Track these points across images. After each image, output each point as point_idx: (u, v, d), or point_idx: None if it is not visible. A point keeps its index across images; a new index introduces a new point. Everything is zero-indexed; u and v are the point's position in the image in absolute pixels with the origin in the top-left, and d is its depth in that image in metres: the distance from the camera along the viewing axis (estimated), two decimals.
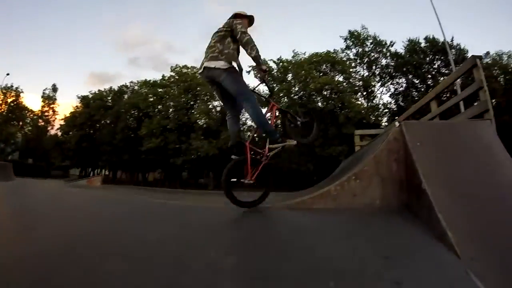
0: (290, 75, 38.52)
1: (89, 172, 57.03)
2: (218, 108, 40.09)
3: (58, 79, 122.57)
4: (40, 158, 52.27)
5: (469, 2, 78.68)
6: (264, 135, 4.10)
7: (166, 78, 43.62)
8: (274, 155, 4.20)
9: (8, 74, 48.56)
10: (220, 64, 3.67)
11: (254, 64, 3.86)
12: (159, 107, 42.06)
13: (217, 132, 36.64)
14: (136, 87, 46.37)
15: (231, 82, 3.73)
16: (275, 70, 39.32)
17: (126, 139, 41.72)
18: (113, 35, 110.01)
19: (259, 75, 4.44)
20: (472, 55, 5.40)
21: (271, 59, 39.14)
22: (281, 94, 37.34)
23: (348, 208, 3.76)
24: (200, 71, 3.94)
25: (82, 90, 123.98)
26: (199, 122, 38.93)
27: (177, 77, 42.54)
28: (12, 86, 46.69)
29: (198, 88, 41.06)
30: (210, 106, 40.24)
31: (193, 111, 39.35)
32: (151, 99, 42.34)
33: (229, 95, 3.87)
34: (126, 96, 46.16)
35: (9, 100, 46.73)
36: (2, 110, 46.02)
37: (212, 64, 3.71)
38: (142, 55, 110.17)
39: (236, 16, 4.04)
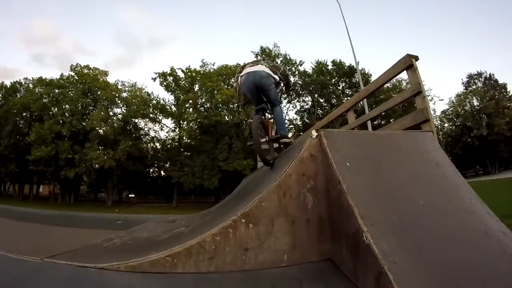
0: (197, 85, 37.37)
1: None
2: (120, 116, 37.80)
3: None
4: None
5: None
6: (280, 132, 4.56)
7: (65, 77, 39.86)
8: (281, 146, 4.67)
9: None
10: (268, 70, 4.41)
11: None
12: (53, 110, 38.21)
13: (115, 142, 34.41)
14: (30, 86, 41.46)
15: (273, 88, 4.46)
16: (183, 80, 37.96)
17: (14, 146, 37.10)
18: (16, 22, 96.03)
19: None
20: (407, 54, 4.30)
21: (179, 68, 37.86)
22: (186, 105, 36.35)
23: (235, 272, 2.49)
24: (242, 75, 4.49)
25: None
26: (97, 130, 36.19)
27: (76, 78, 39.18)
28: None
29: (99, 92, 38.30)
30: (111, 113, 37.72)
31: (90, 117, 36.27)
32: (45, 100, 38.16)
33: (261, 98, 4.55)
34: (19, 95, 41.05)
35: None
36: None
37: (260, 68, 4.40)
38: (48, 53, 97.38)
39: None
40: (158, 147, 41.03)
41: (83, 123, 35.78)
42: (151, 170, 46.11)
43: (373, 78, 37.53)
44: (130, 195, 40.53)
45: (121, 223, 6.06)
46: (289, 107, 42.60)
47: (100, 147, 34.46)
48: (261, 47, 40.23)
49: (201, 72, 37.93)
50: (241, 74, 4.52)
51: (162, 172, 45.20)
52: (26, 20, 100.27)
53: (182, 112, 36.48)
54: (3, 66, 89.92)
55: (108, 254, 3.39)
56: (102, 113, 35.85)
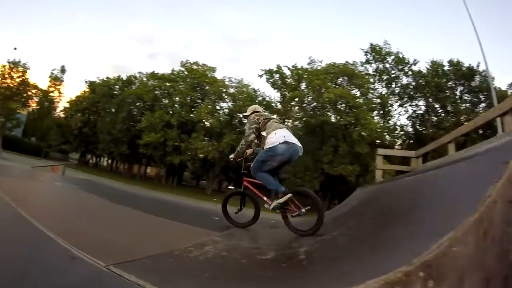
0: (303, 83, 36.57)
1: (88, 159, 56.08)
2: (226, 110, 38.63)
3: (80, 67, 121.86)
4: (41, 138, 51.16)
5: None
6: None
7: (176, 72, 42.28)
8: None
9: (15, 49, 47.09)
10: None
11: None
12: (164, 101, 40.67)
13: (220, 135, 35.03)
14: (144, 79, 44.99)
15: None
16: (289, 77, 37.54)
17: (127, 130, 40.48)
18: (136, 28, 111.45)
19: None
20: None
21: (285, 65, 37.58)
22: (292, 103, 35.61)
23: None
24: (290, 143, 4.10)
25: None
26: (204, 122, 37.40)
27: (186, 73, 41.31)
28: (20, 61, 45.51)
29: (207, 87, 39.76)
30: (217, 107, 38.70)
31: (198, 109, 37.84)
32: (157, 92, 40.96)
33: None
34: (133, 87, 44.82)
35: (15, 76, 45.60)
36: (8, 84, 44.83)
37: (298, 143, 4.21)
38: (161, 51, 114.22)
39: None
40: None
41: (191, 115, 37.30)
42: None
43: (496, 82, 33.50)
44: (229, 187, 41.08)
45: (218, 220, 4.91)
46: (400, 111, 39.33)
47: (205, 138, 35.31)
48: (371, 45, 38.32)
49: (308, 69, 37.08)
50: (286, 141, 4.07)
51: None
52: (143, 25, 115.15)
53: (287, 110, 35.90)
54: (125, 64, 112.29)
55: (195, 273, 2.43)
56: (209, 106, 36.99)
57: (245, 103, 36.12)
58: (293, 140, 4.12)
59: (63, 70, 51.58)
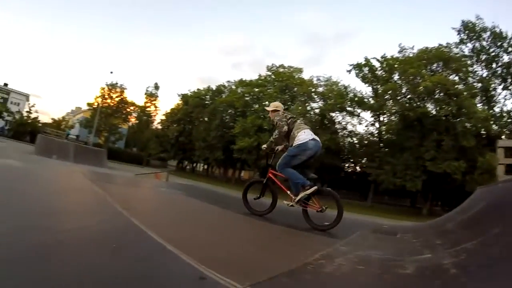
0: (396, 74, 34.91)
1: (185, 166, 60.26)
2: (317, 110, 38.64)
3: (170, 82, 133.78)
4: (142, 148, 56.54)
5: None
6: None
7: (263, 78, 43.52)
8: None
9: (111, 72, 53.00)
10: None
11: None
12: (255, 106, 42.06)
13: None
14: (233, 87, 47.22)
15: None
16: (379, 69, 36.21)
17: (220, 137, 42.84)
18: (217, 41, 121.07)
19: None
20: None
21: (374, 57, 36.59)
22: (386, 96, 34.14)
23: None
24: (316, 140, 4.65)
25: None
26: None
27: (273, 77, 42.32)
28: (117, 83, 51.10)
29: (295, 89, 40.21)
30: (308, 108, 38.83)
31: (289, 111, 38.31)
32: (247, 98, 42.57)
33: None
34: (223, 96, 47.34)
35: (114, 96, 51.14)
36: (109, 104, 50.44)
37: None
38: (244, 61, 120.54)
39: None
40: (355, 141, 40.21)
41: None
42: (346, 165, 45.40)
43: None
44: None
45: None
46: (505, 95, 35.29)
47: None
48: (463, 22, 35.43)
49: (399, 58, 35.31)
50: (314, 138, 4.62)
51: (357, 167, 44.29)
52: (225, 37, 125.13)
53: (381, 104, 34.62)
54: (211, 76, 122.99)
55: None
56: (300, 107, 37.20)
57: (337, 101, 35.80)
58: (317, 138, 4.69)
59: (156, 87, 56.72)
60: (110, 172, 15.23)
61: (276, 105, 5.32)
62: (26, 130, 39.04)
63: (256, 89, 42.79)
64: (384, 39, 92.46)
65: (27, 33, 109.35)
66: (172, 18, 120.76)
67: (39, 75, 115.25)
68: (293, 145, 4.61)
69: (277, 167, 4.80)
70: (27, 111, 42.68)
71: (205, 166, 59.37)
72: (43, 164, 11.87)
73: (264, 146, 5.22)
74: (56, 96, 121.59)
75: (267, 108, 5.44)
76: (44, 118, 49.84)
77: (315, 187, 4.37)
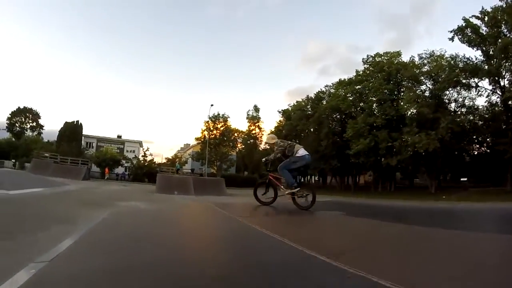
0: (503, 26, 30.21)
1: (299, 179, 60.13)
2: (427, 93, 35.01)
3: (259, 102, 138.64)
4: (253, 171, 57.94)
5: None
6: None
7: (361, 72, 41.23)
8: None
9: (212, 105, 55.96)
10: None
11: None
12: (361, 104, 40.23)
13: (433, 121, 31.49)
14: (332, 90, 45.88)
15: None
16: (487, 26, 31.63)
17: (332, 145, 41.86)
18: (298, 53, 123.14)
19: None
20: None
21: (473, 15, 32.13)
22: (502, 55, 29.17)
23: None
24: (308, 156, 7.64)
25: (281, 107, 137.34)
26: (409, 113, 34.68)
27: (371, 68, 39.74)
28: (219, 114, 53.88)
29: (398, 75, 37.05)
30: (418, 91, 35.28)
31: (400, 101, 35.50)
32: (350, 98, 40.74)
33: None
34: (324, 102, 46.25)
35: (219, 126, 53.90)
36: (214, 135, 53.27)
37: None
38: (329, 63, 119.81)
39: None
40: (477, 118, 35.20)
41: (396, 109, 35.11)
42: (473, 147, 39.64)
43: None
44: (462, 179, 35.65)
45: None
46: None
47: (417, 130, 32.26)
48: None
49: (504, 7, 29.62)
50: (308, 154, 7.60)
51: (484, 148, 38.53)
52: (306, 45, 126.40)
53: (498, 66, 29.53)
54: (300, 87, 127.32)
55: None
56: (411, 94, 34.12)
57: (450, 76, 31.64)
58: (308, 153, 7.57)
59: (256, 109, 58.34)
60: (234, 200, 15.46)
61: (272, 137, 8.30)
62: (144, 172, 42.81)
63: (358, 86, 40.82)
64: None
65: (131, 90, 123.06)
66: (253, 40, 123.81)
67: (148, 122, 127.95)
68: (295, 156, 7.37)
69: (278, 169, 7.55)
70: (142, 156, 47.13)
71: (316, 178, 58.39)
72: (172, 202, 12.87)
73: (265, 158, 8.10)
74: (165, 137, 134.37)
75: (268, 142, 8.75)
76: (158, 159, 55.18)
77: (297, 189, 7.29)
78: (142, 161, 45.97)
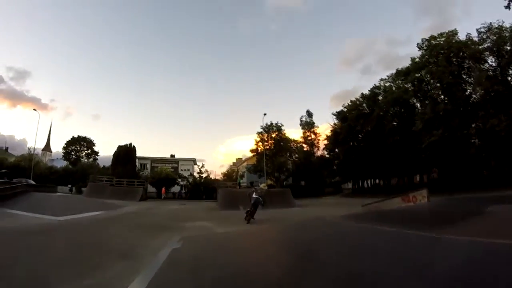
0: None
1: (361, 184, 56.52)
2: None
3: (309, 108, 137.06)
4: (311, 179, 55.85)
5: None
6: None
7: (416, 60, 38.42)
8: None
9: (265, 114, 54.99)
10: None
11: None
12: (429, 89, 37.38)
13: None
14: (387, 84, 43.54)
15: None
16: None
17: (398, 142, 38.87)
18: (336, 56, 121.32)
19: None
20: None
21: None
22: None
23: None
24: (264, 189, 17.08)
25: (327, 115, 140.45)
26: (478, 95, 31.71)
27: (430, 53, 36.61)
28: (272, 123, 53.26)
29: (460, 54, 33.91)
30: (486, 66, 31.98)
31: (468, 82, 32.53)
32: (411, 88, 38.58)
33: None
34: (380, 97, 43.93)
35: (273, 135, 52.97)
36: (269, 145, 52.26)
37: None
38: (370, 61, 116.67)
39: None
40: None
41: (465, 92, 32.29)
42: None
43: None
44: None
45: None
46: None
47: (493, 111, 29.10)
48: None
49: None
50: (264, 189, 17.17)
51: None
52: (341, 47, 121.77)
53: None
54: (344, 90, 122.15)
55: None
56: (478, 73, 31.33)
57: None
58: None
59: (309, 114, 56.61)
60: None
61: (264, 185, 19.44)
62: (201, 189, 42.40)
63: (417, 74, 37.82)
64: None
65: (181, 109, 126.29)
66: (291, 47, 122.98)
67: (198, 141, 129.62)
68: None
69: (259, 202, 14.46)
70: (198, 172, 46.34)
71: (377, 180, 54.07)
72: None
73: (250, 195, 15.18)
74: (216, 154, 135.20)
75: (262, 186, 17.89)
76: (212, 176, 54.29)
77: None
78: (198, 178, 45.29)
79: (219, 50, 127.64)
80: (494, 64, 32.57)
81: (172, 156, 64.82)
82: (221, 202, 22.88)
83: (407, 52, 76.59)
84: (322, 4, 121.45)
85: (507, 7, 30.54)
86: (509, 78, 31.04)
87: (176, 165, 61.20)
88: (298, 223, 12.21)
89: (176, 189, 48.00)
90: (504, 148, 29.31)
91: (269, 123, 53.25)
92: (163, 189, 42.94)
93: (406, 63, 41.44)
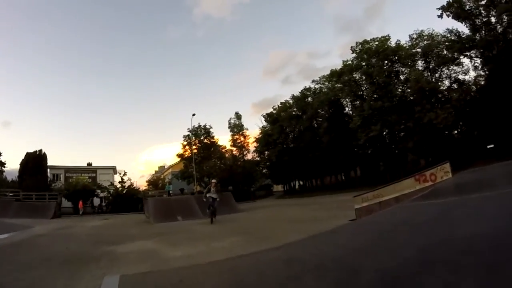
0: None
1: (292, 185, 55.82)
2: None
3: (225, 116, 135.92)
4: (241, 183, 52.08)
5: None
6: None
7: (349, 62, 39.31)
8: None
9: (194, 115, 50.35)
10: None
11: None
12: (362, 89, 38.21)
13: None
14: (317, 86, 44.79)
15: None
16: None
17: (334, 139, 38.69)
18: (259, 65, 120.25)
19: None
20: None
21: None
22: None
23: None
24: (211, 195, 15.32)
25: (248, 122, 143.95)
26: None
27: (364, 56, 37.60)
28: (200, 125, 50.11)
29: (395, 57, 35.08)
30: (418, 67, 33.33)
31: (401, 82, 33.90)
32: (346, 88, 38.89)
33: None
34: (309, 99, 43.79)
35: (202, 138, 49.75)
36: (198, 148, 48.84)
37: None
38: (291, 73, 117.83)
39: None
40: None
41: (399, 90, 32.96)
42: None
43: None
44: None
45: None
46: None
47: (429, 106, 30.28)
48: None
49: None
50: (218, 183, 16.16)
51: None
52: (265, 58, 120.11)
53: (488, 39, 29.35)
54: (265, 99, 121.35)
55: None
56: (413, 71, 33.08)
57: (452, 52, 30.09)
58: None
59: (238, 116, 53.65)
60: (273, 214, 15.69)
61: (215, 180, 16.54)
62: (123, 200, 36.71)
63: (354, 74, 38.50)
64: None
65: (98, 114, 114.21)
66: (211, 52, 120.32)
67: (117, 150, 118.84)
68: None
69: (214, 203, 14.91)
70: (119, 182, 39.70)
71: (312, 180, 53.63)
72: (197, 234, 10.74)
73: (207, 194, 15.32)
74: (135, 163, 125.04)
75: (213, 181, 15.97)
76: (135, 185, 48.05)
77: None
78: (120, 188, 38.87)
79: (144, 56, 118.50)
80: (424, 66, 35.21)
81: (89, 164, 56.63)
82: (154, 214, 19.24)
83: (325, 65, 79.84)
84: (249, 16, 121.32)
85: (440, 16, 32.99)
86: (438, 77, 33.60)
87: (94, 175, 53.23)
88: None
89: (96, 201, 40.97)
90: (442, 140, 31.01)
91: (197, 126, 49.81)
92: (80, 202, 35.75)
93: (324, 73, 42.66)
